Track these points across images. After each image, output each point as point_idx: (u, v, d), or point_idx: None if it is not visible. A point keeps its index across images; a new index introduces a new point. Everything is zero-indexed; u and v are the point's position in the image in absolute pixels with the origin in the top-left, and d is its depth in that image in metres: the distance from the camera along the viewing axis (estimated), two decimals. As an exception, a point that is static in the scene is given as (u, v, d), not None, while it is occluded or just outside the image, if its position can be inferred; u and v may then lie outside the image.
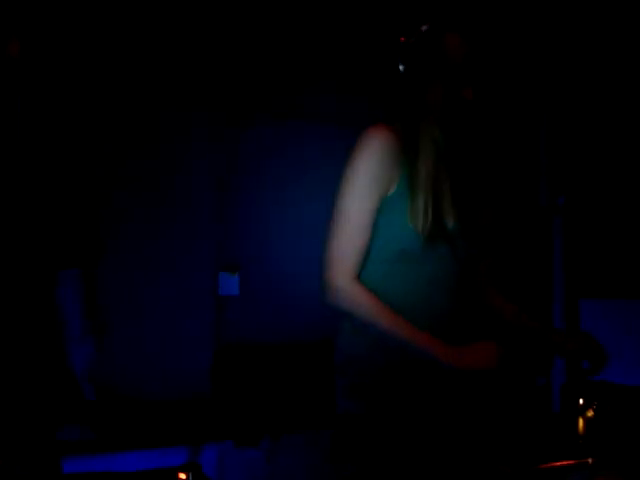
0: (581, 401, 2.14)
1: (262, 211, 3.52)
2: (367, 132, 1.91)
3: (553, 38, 3.60)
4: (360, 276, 1.90)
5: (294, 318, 3.52)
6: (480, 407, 2.05)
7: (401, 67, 1.92)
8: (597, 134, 3.49)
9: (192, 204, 3.38)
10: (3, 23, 2.17)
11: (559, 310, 3.59)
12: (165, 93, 3.31)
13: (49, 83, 3.04)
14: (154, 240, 3.30)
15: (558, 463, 1.86)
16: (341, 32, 3.57)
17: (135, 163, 3.26)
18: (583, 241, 3.55)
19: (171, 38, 3.31)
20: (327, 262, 1.88)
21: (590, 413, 2.11)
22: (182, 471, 1.64)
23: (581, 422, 2.10)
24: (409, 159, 1.92)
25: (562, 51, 3.59)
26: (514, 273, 3.81)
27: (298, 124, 3.58)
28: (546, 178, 3.71)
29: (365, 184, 1.89)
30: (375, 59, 3.33)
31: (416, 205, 1.89)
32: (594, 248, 3.49)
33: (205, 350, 3.39)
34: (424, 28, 1.94)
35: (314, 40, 3.57)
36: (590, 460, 1.87)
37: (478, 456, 1.98)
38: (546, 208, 3.67)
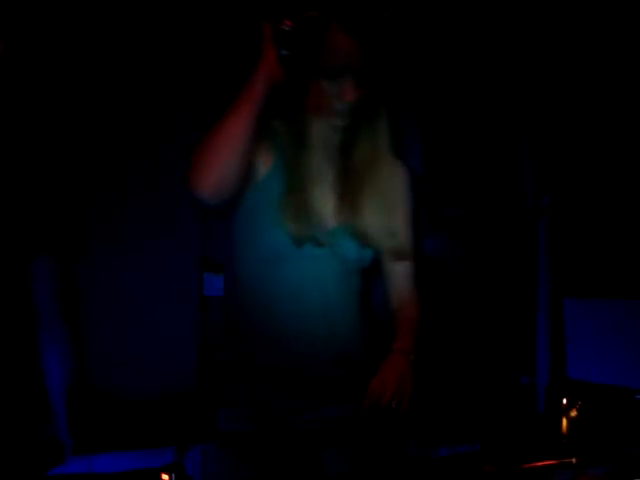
0: (565, 401, 2.14)
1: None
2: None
3: (534, 37, 3.61)
4: (235, 277, 1.87)
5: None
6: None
7: (284, 52, 1.75)
8: (581, 134, 3.50)
9: (177, 203, 3.37)
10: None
11: (543, 309, 3.60)
12: (162, 92, 3.30)
13: (37, 77, 3.03)
14: (138, 239, 3.29)
15: (542, 463, 1.86)
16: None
17: (120, 161, 3.24)
18: (568, 240, 3.56)
19: (167, 36, 3.30)
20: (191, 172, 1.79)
21: (574, 413, 2.12)
22: (165, 472, 1.63)
23: (565, 422, 2.10)
24: (288, 154, 1.86)
25: (544, 50, 3.59)
26: (499, 272, 3.82)
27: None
28: (531, 178, 3.72)
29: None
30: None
31: (289, 205, 1.83)
32: (578, 247, 3.50)
33: (190, 350, 3.38)
34: (310, 14, 1.79)
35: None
36: (574, 460, 1.88)
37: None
38: (531, 208, 3.68)
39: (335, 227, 1.89)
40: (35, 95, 3.02)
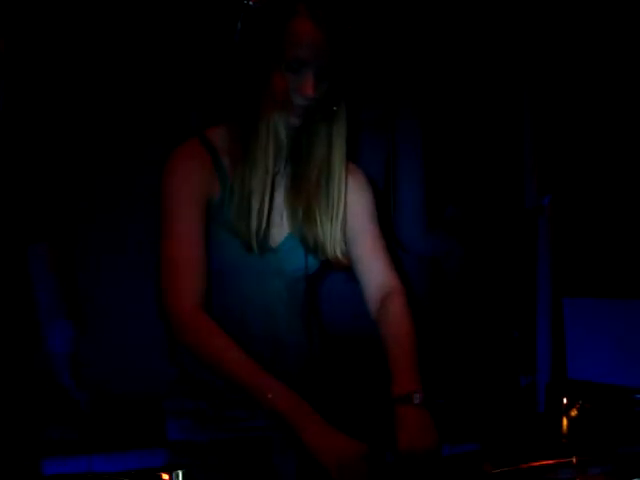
0: (565, 400, 2.14)
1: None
2: (173, 153, 1.79)
3: (536, 35, 3.60)
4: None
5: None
6: None
7: (236, 37, 1.67)
8: (582, 134, 3.50)
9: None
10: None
11: (543, 309, 3.60)
12: (164, 91, 3.30)
13: (34, 74, 3.03)
14: (143, 239, 3.28)
15: (542, 462, 1.86)
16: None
17: (123, 154, 3.24)
18: (568, 240, 3.56)
19: (170, 38, 3.30)
20: (168, 296, 1.71)
21: (574, 412, 2.12)
22: (165, 472, 1.63)
23: (565, 421, 2.10)
24: (237, 163, 1.74)
25: (545, 48, 3.59)
26: (498, 273, 3.82)
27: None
28: (531, 178, 3.72)
29: (184, 201, 1.73)
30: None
31: (240, 216, 1.73)
32: (578, 247, 3.50)
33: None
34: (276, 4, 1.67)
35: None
36: (574, 459, 1.88)
37: None
38: (531, 208, 3.68)
39: (287, 234, 1.83)
40: (34, 87, 3.02)
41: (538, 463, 1.85)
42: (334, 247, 1.85)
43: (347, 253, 1.89)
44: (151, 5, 3.24)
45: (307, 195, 1.82)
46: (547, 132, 3.65)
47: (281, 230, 1.83)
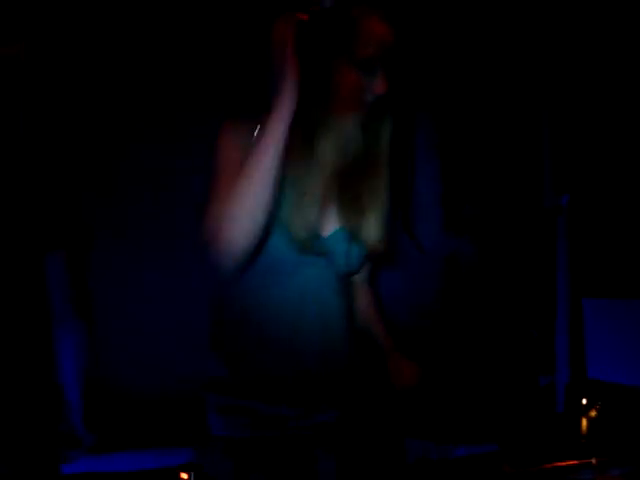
0: (584, 401, 2.13)
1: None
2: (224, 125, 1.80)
3: (554, 36, 3.59)
4: (232, 291, 1.82)
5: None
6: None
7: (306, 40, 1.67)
8: (600, 133, 3.48)
9: (193, 203, 3.38)
10: (7, 24, 2.18)
11: (562, 309, 3.59)
12: (168, 92, 3.32)
13: (51, 79, 3.05)
14: (155, 239, 3.30)
15: (562, 463, 1.85)
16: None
17: (136, 164, 3.26)
18: (587, 240, 3.54)
19: (171, 38, 3.31)
20: (206, 214, 1.74)
21: (593, 413, 2.11)
22: (184, 471, 1.63)
23: (584, 422, 2.09)
24: (299, 157, 1.76)
25: (564, 49, 3.58)
26: (517, 273, 3.81)
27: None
28: (549, 178, 3.70)
29: (234, 158, 1.73)
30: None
31: (294, 209, 1.74)
32: (598, 247, 3.48)
33: (206, 349, 3.38)
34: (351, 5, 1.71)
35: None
36: (594, 460, 1.87)
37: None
38: (550, 208, 3.66)
39: (336, 227, 1.85)
40: (51, 95, 3.05)
41: (557, 464, 1.84)
42: (379, 237, 1.88)
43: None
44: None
45: (357, 189, 1.85)
46: (565, 132, 3.63)
47: (331, 223, 1.85)
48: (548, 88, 3.67)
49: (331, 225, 1.84)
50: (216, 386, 1.88)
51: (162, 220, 3.31)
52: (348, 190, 1.84)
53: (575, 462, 1.87)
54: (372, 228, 1.85)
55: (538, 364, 3.54)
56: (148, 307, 3.26)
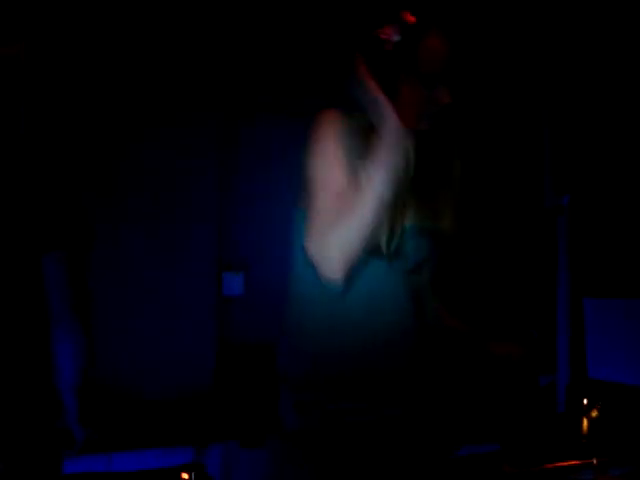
0: (585, 401, 2.13)
1: (265, 210, 3.51)
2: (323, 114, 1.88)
3: (555, 37, 3.59)
4: (297, 301, 1.89)
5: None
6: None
7: (378, 58, 1.84)
8: (601, 133, 3.48)
9: (194, 203, 3.38)
10: (8, 24, 2.18)
11: (563, 309, 3.59)
12: (166, 93, 3.32)
13: (50, 81, 3.05)
14: (156, 239, 3.30)
15: (563, 463, 1.85)
16: (338, 31, 3.56)
17: (137, 164, 3.26)
18: (587, 240, 3.54)
19: (171, 38, 3.31)
20: (309, 234, 1.80)
21: (594, 413, 2.11)
22: (185, 471, 1.64)
23: (585, 422, 2.09)
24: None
25: (564, 50, 3.58)
26: (518, 272, 3.80)
27: (299, 123, 3.57)
28: (550, 178, 3.70)
29: (336, 153, 1.83)
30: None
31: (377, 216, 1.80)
32: (598, 247, 3.48)
33: (209, 350, 3.39)
34: (408, 23, 1.87)
35: (312, 38, 3.57)
36: (595, 460, 1.87)
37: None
38: (550, 208, 3.66)
39: (409, 225, 1.92)
40: (51, 95, 3.05)
41: (558, 464, 1.84)
42: (448, 230, 2.00)
43: None
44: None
45: (427, 191, 1.96)
46: (566, 133, 3.64)
47: (404, 222, 1.93)
48: (548, 89, 3.67)
49: (404, 223, 1.92)
50: (288, 381, 1.92)
51: (164, 232, 3.31)
52: (418, 192, 1.94)
53: (576, 462, 1.87)
54: (443, 224, 1.98)
55: (539, 364, 3.54)
56: (147, 308, 3.26)
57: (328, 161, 1.84)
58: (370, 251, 1.82)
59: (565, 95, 3.62)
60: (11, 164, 1.92)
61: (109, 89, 3.19)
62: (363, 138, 1.85)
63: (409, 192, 1.92)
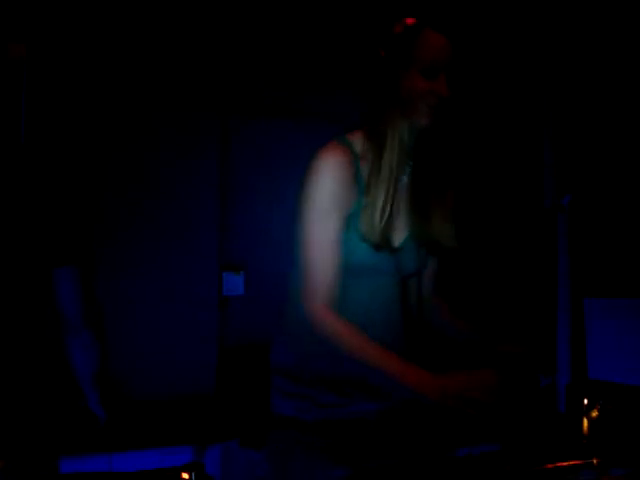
0: (586, 401, 2.13)
1: (265, 210, 3.52)
2: (320, 153, 1.84)
3: (557, 37, 3.59)
4: (295, 300, 1.89)
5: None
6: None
7: (381, 53, 1.86)
8: (601, 133, 3.48)
9: (194, 204, 3.39)
10: (7, 25, 2.18)
11: (563, 309, 3.59)
12: (165, 94, 3.32)
13: (51, 84, 3.05)
14: (156, 240, 3.30)
15: (563, 463, 1.85)
16: (334, 31, 3.57)
17: (136, 165, 3.26)
18: (588, 240, 3.54)
19: (169, 40, 3.32)
20: (303, 294, 1.83)
21: (595, 413, 2.10)
22: (185, 471, 1.63)
23: (586, 422, 2.09)
24: (370, 166, 1.86)
25: (566, 49, 3.58)
26: (518, 272, 3.81)
27: (299, 123, 3.57)
28: (551, 178, 3.70)
29: (326, 207, 1.82)
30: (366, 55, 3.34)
31: (366, 218, 1.83)
32: (599, 247, 3.48)
33: (209, 349, 3.39)
34: (409, 22, 1.88)
35: (309, 39, 3.57)
36: (595, 460, 1.87)
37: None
38: (550, 207, 3.66)
39: (407, 234, 1.93)
40: (51, 97, 3.05)
41: (558, 464, 1.84)
42: (448, 241, 1.98)
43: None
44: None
45: (426, 196, 1.94)
46: (567, 133, 3.64)
47: (402, 230, 1.92)
48: (549, 89, 3.67)
49: (403, 231, 1.92)
50: (282, 371, 1.97)
51: (164, 234, 3.31)
52: (416, 197, 1.94)
53: (576, 462, 1.87)
54: (442, 232, 1.96)
55: (539, 364, 3.54)
56: (148, 308, 3.27)
57: (321, 216, 1.83)
58: (369, 254, 1.84)
59: (566, 95, 3.62)
60: (15, 170, 1.92)
61: (109, 90, 3.20)
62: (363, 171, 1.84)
63: (407, 201, 1.92)
